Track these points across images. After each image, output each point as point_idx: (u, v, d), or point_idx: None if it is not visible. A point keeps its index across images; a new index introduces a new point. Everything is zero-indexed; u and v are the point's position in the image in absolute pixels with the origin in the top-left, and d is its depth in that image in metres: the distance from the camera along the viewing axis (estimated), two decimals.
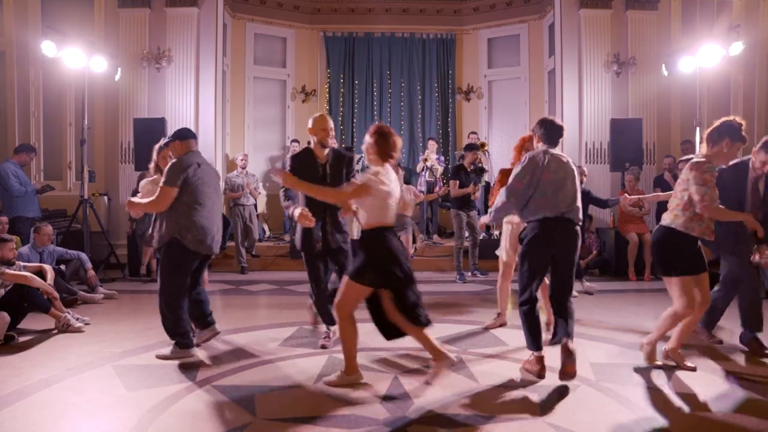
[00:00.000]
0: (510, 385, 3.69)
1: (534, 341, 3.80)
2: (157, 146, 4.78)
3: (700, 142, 7.35)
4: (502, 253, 5.09)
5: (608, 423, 3.14)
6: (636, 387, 3.63)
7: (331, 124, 4.44)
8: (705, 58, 7.15)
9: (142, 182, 5.01)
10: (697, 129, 7.31)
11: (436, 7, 11.27)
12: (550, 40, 10.03)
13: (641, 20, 8.84)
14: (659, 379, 3.79)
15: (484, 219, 4.59)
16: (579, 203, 3.87)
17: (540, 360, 3.77)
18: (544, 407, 3.31)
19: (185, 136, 4.34)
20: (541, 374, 3.75)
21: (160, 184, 4.13)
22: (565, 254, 3.79)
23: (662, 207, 7.93)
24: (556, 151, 3.91)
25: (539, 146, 3.96)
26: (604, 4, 8.81)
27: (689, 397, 3.52)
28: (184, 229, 4.11)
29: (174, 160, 4.18)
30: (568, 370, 3.62)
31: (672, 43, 8.82)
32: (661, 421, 3.16)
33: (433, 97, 11.31)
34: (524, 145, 4.58)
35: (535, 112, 10.65)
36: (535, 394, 3.52)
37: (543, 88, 10.51)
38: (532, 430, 3.05)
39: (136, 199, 4.34)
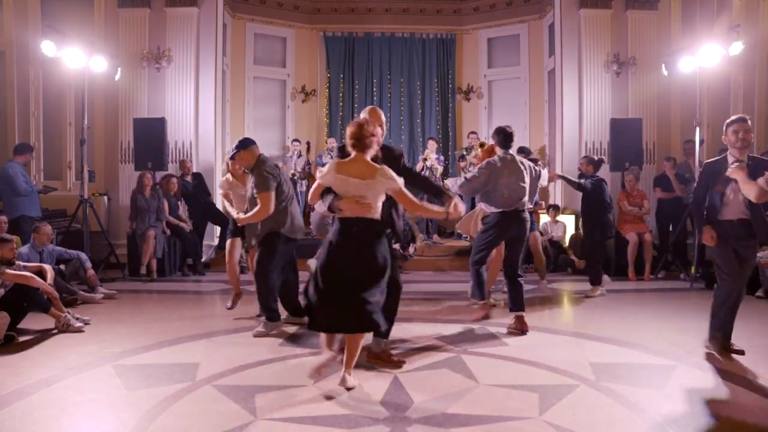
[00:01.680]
0: (510, 384, 3.69)
1: (481, 291, 5.24)
2: (228, 159, 5.48)
3: (700, 143, 7.41)
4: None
5: (608, 423, 3.14)
6: (636, 387, 3.63)
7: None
8: (705, 58, 7.14)
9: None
10: (697, 129, 7.31)
11: (436, 7, 11.27)
12: (550, 40, 10.02)
13: (641, 20, 8.84)
14: (659, 379, 3.79)
15: (452, 185, 5.43)
16: (526, 197, 5.01)
17: (483, 307, 5.32)
18: (544, 407, 3.31)
19: (247, 144, 4.90)
20: (487, 316, 5.29)
21: (258, 191, 4.68)
22: (515, 237, 4.99)
23: (662, 207, 8.01)
24: (512, 156, 5.02)
25: (498, 150, 5.06)
26: (604, 4, 8.80)
27: (690, 397, 3.52)
28: (282, 222, 4.76)
29: (265, 167, 4.73)
30: (525, 329, 4.85)
31: (672, 43, 8.81)
32: (661, 421, 3.16)
33: (433, 97, 11.31)
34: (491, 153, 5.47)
35: (535, 112, 10.67)
36: (535, 393, 3.52)
37: (543, 88, 10.51)
38: (531, 430, 3.05)
39: (244, 216, 4.87)
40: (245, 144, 4.92)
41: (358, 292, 3.47)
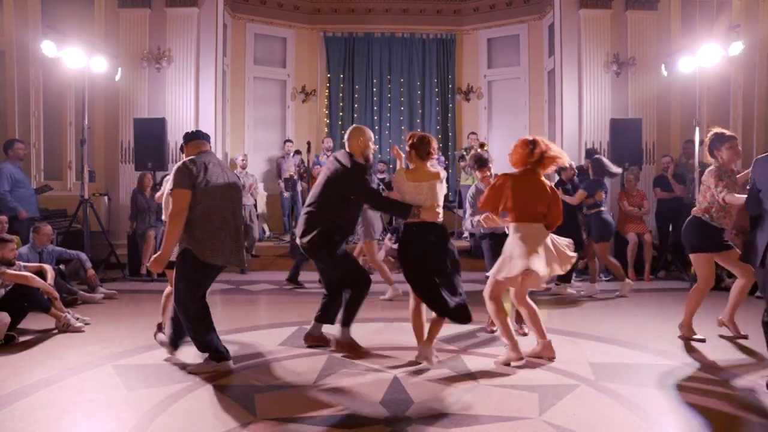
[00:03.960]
0: (510, 384, 3.69)
1: None
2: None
3: (700, 144, 7.41)
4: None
5: (608, 423, 3.14)
6: (636, 387, 3.64)
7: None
8: (705, 58, 7.13)
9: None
10: (697, 129, 7.31)
11: (436, 7, 11.27)
12: (549, 40, 10.03)
13: (641, 20, 8.83)
14: (659, 379, 3.80)
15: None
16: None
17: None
18: (544, 407, 3.32)
19: (190, 137, 4.18)
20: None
21: (169, 188, 3.89)
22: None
23: (662, 207, 8.01)
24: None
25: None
26: (603, 4, 8.80)
27: (689, 397, 3.52)
28: (198, 240, 3.83)
29: (180, 162, 3.96)
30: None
31: (672, 43, 8.81)
32: (660, 421, 3.16)
33: (433, 98, 11.31)
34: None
35: (534, 112, 10.67)
36: (535, 393, 3.52)
37: (543, 88, 10.52)
38: (531, 430, 3.05)
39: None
40: (189, 137, 4.22)
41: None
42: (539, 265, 3.88)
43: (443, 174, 4.16)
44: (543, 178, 4.13)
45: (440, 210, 4.12)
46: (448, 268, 4.06)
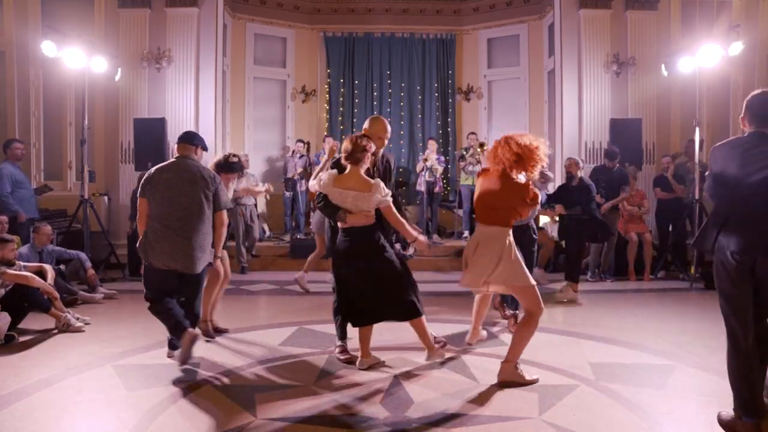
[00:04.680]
0: (510, 384, 3.69)
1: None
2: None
3: (700, 144, 7.41)
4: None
5: (608, 423, 3.14)
6: (636, 387, 3.64)
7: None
8: (704, 58, 7.14)
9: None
10: (697, 129, 7.31)
11: (436, 8, 11.28)
12: (549, 41, 10.03)
13: (641, 20, 8.84)
14: (659, 379, 3.80)
15: None
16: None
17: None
18: (544, 407, 3.32)
19: (178, 140, 4.33)
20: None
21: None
22: None
23: (662, 207, 8.01)
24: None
25: None
26: (603, 4, 8.80)
27: (690, 397, 3.52)
28: (145, 240, 4.12)
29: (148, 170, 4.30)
30: None
31: (672, 43, 8.82)
32: (661, 421, 3.16)
33: (433, 97, 11.31)
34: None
35: (534, 113, 10.67)
36: (535, 393, 3.52)
37: (543, 89, 10.52)
38: (531, 430, 3.05)
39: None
40: (177, 140, 4.34)
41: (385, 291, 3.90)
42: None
43: (376, 187, 3.82)
44: (516, 178, 3.68)
45: (371, 213, 3.87)
46: (382, 274, 3.89)
